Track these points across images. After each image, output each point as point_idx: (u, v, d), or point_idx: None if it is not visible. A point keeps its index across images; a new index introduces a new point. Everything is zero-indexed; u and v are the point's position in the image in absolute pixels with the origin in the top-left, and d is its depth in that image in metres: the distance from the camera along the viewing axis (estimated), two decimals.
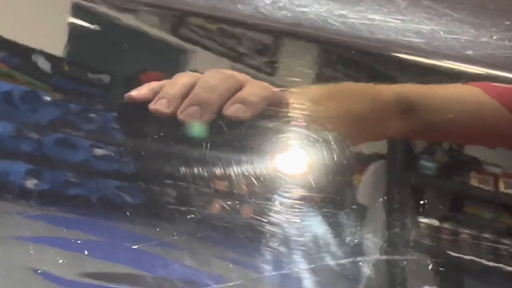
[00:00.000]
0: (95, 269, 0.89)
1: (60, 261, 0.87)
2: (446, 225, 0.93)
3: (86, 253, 0.86)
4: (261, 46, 0.94)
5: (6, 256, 0.91)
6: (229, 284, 0.83)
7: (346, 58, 0.88)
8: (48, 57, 1.06)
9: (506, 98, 0.78)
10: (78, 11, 1.06)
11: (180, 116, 0.74)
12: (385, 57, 0.80)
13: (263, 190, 0.78)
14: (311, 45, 0.87)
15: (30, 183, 0.98)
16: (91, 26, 1.06)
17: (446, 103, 0.80)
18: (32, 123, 1.04)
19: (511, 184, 0.88)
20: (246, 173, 0.77)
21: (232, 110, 0.73)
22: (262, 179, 0.77)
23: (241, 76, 0.75)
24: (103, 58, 1.04)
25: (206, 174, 0.79)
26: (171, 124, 0.76)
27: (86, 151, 1.01)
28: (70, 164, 1.01)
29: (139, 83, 0.96)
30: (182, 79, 0.76)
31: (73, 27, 1.04)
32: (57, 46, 1.05)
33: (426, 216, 0.93)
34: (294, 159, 0.78)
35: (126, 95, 0.79)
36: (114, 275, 0.90)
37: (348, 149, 0.76)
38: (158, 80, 0.87)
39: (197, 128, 0.77)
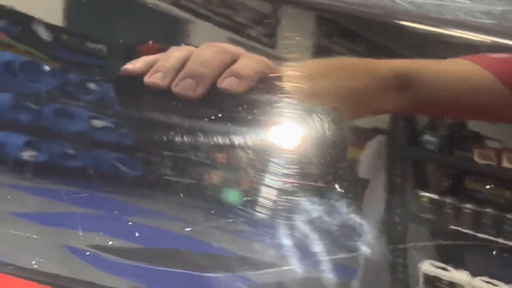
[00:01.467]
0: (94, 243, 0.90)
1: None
2: (447, 200, 0.92)
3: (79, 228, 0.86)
4: (260, 16, 0.93)
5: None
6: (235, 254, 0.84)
7: (347, 29, 0.87)
8: (48, 26, 1.05)
9: (501, 72, 0.77)
10: None
11: (175, 89, 0.75)
12: (388, 25, 0.79)
13: (260, 160, 0.78)
14: (311, 15, 0.86)
15: (27, 155, 0.98)
16: None
17: (441, 78, 0.80)
18: (31, 93, 1.03)
19: None
20: (242, 144, 0.77)
21: (225, 83, 0.74)
22: (257, 150, 0.77)
23: (236, 49, 0.76)
24: (102, 28, 1.03)
25: (201, 145, 0.79)
26: (166, 97, 0.76)
27: (84, 122, 1.00)
28: (69, 135, 1.01)
29: (137, 54, 0.96)
30: (176, 53, 0.77)
31: None
32: (56, 15, 1.04)
33: (428, 191, 0.92)
34: (288, 131, 0.78)
35: (122, 68, 0.79)
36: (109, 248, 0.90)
37: (344, 121, 0.76)
38: (156, 50, 0.86)
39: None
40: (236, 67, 0.74)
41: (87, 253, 0.88)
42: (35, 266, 0.85)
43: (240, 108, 0.75)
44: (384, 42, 0.83)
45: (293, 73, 0.76)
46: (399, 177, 0.93)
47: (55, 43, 1.05)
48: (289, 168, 0.77)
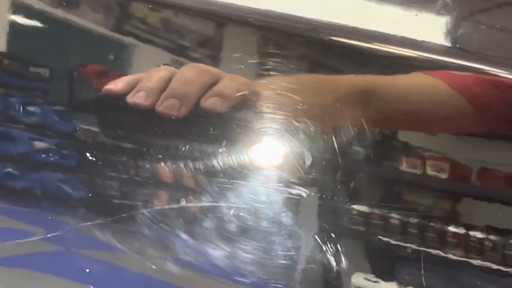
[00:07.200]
0: None
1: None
2: (377, 211, 0.94)
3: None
4: (204, 39, 0.97)
5: None
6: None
7: (291, 48, 0.90)
8: None
9: (458, 84, 0.81)
10: (18, 7, 1.07)
11: (159, 108, 0.77)
12: (328, 42, 0.83)
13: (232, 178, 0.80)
14: (254, 36, 0.90)
15: None
16: (31, 22, 1.07)
17: (402, 93, 0.83)
18: None
19: (437, 166, 0.90)
20: (220, 163, 0.79)
21: (209, 103, 0.77)
22: (233, 167, 0.79)
23: (216, 71, 0.79)
24: (44, 53, 1.05)
25: (183, 165, 0.81)
26: (148, 117, 0.78)
27: (26, 144, 1.01)
28: (11, 157, 1.02)
29: (79, 76, 0.98)
30: (158, 73, 0.79)
31: (13, 23, 1.05)
32: None
33: (358, 203, 0.95)
34: (267, 147, 0.81)
35: (104, 88, 0.80)
36: None
37: (312, 135, 0.80)
38: (98, 72, 0.88)
39: None
40: (218, 87, 0.77)
41: None
42: None
43: (222, 126, 0.78)
44: (326, 60, 0.87)
45: (267, 91, 0.79)
46: (329, 190, 0.94)
47: None
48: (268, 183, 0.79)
